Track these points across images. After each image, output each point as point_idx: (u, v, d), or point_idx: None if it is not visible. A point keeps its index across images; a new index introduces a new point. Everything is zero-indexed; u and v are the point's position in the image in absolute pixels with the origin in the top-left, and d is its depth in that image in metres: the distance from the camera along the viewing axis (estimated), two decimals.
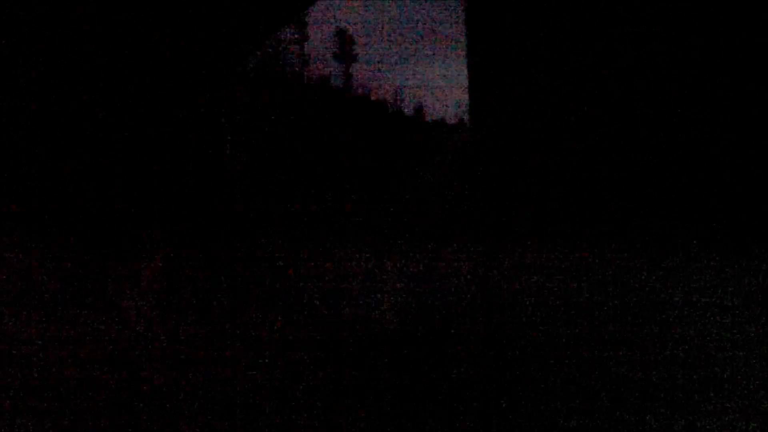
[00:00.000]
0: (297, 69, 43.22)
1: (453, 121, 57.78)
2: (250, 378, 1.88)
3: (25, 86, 2.94)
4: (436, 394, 1.34)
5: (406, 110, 58.70)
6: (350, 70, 50.21)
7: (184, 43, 3.48)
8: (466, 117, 52.08)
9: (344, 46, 50.28)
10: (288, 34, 42.29)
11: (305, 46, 43.90)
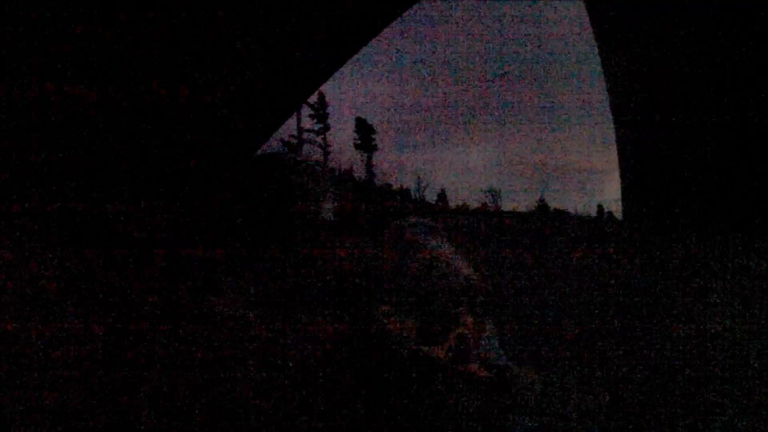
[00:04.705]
0: (320, 159, 44.22)
1: (477, 206, 57.72)
2: (250, 378, 1.79)
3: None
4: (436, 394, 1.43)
5: (428, 197, 59.24)
6: (372, 159, 51.23)
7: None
8: (489, 202, 51.75)
9: (365, 135, 51.89)
10: (311, 125, 43.86)
11: (326, 135, 45.37)
